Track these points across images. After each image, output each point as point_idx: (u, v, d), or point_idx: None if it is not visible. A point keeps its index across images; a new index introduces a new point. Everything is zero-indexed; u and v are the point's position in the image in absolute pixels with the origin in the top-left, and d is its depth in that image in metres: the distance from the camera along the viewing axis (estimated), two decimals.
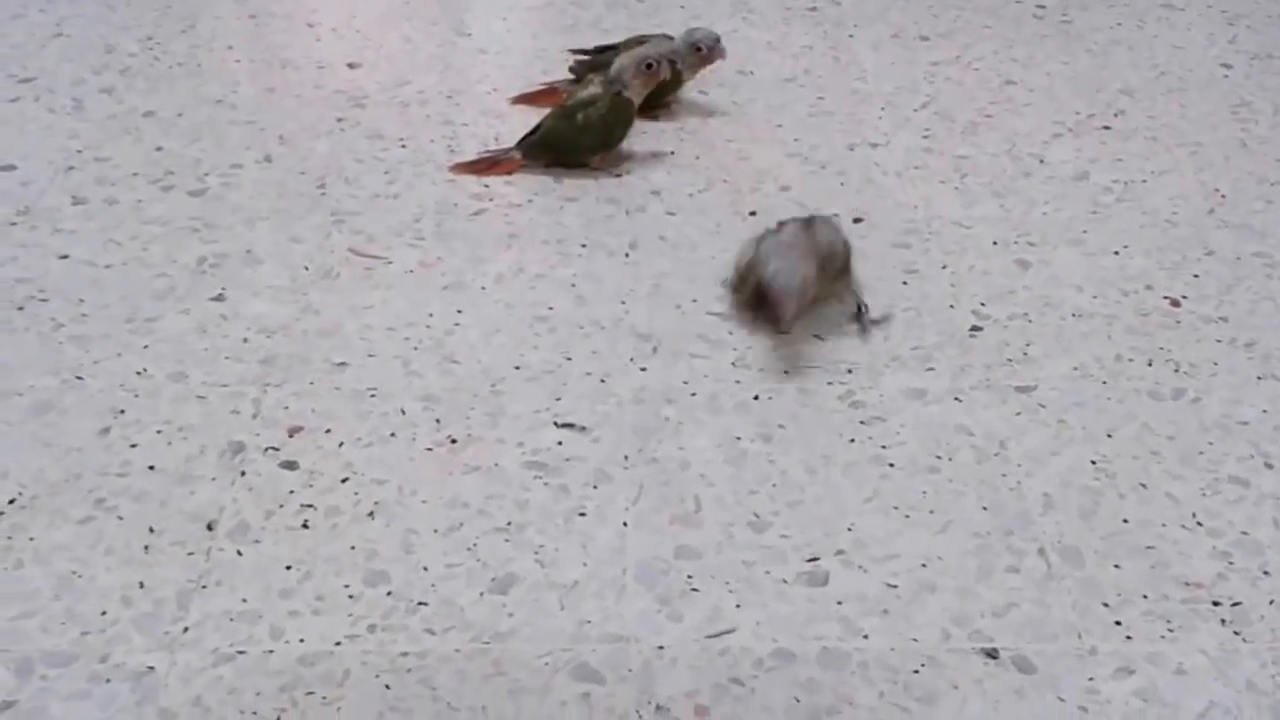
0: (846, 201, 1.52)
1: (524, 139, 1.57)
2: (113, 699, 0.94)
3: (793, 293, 1.25)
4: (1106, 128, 1.71)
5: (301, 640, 0.99)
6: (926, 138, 1.67)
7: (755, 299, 1.31)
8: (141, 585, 1.02)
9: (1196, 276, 1.42)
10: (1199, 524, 1.12)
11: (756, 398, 1.23)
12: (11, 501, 1.09)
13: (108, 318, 1.30)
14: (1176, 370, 1.29)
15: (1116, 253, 1.46)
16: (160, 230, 1.44)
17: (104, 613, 1.00)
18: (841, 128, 1.69)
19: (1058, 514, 1.12)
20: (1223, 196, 1.56)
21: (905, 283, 1.40)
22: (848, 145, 1.65)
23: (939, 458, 1.18)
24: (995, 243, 1.47)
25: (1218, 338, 1.33)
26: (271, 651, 0.98)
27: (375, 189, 1.52)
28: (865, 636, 1.02)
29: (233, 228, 1.45)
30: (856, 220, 1.49)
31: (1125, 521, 1.12)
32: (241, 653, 0.98)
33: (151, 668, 0.96)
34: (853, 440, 1.19)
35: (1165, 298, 1.39)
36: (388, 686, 0.96)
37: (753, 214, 1.50)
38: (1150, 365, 1.29)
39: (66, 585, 1.02)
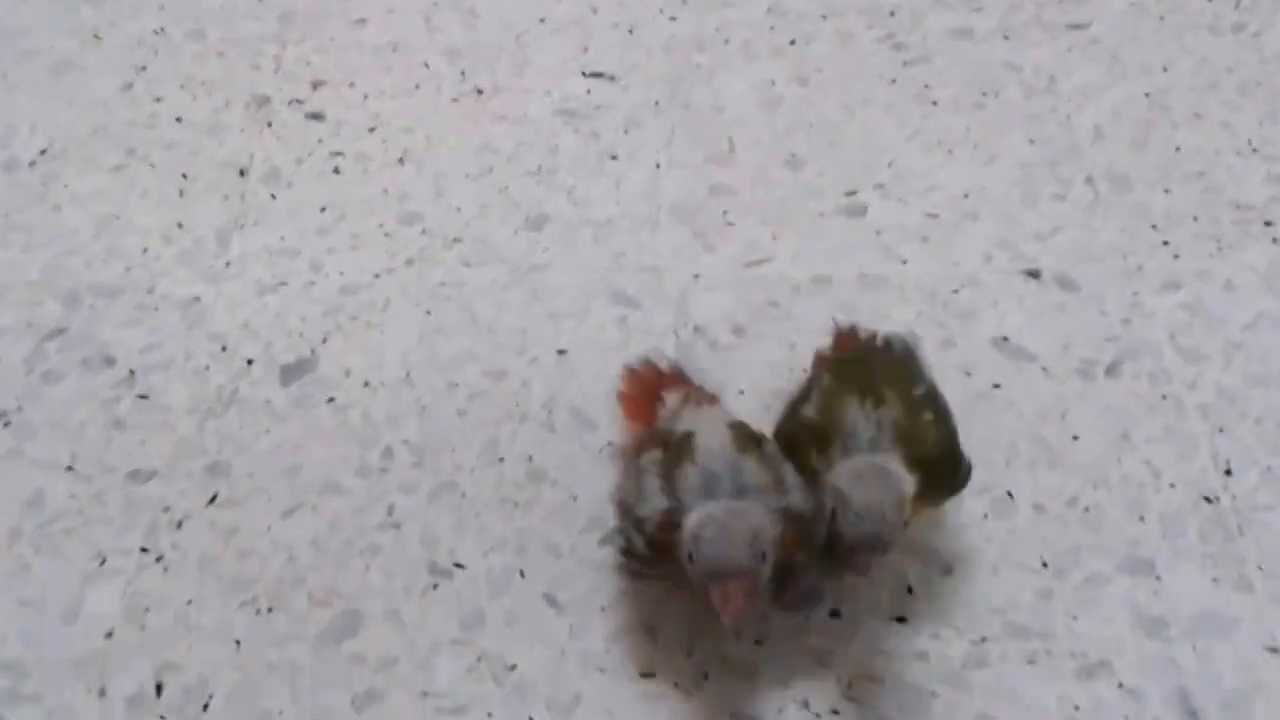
0: None
1: None
2: (162, 325, 1.08)
3: (744, 577, 0.80)
4: None
5: (341, 273, 1.12)
6: None
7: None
8: (180, 225, 1.15)
9: None
10: (1254, 150, 1.21)
11: (793, 42, 1.32)
12: (43, 152, 1.21)
13: None
14: (1237, 6, 1.36)
15: None
16: None
17: (146, 250, 1.13)
18: None
19: (1108, 144, 1.22)
20: None
21: None
22: None
23: (985, 94, 1.27)
24: None
25: None
26: (313, 283, 1.11)
27: None
28: (904, 262, 1.13)
29: None
30: None
31: (1177, 150, 1.21)
32: (284, 284, 1.11)
33: (197, 298, 1.10)
34: (894, 81, 1.28)
35: None
36: (428, 312, 1.09)
37: None
38: (1210, 1, 1.37)
39: (106, 226, 1.15)
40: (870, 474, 0.83)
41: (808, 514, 0.85)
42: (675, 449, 0.87)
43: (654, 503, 0.85)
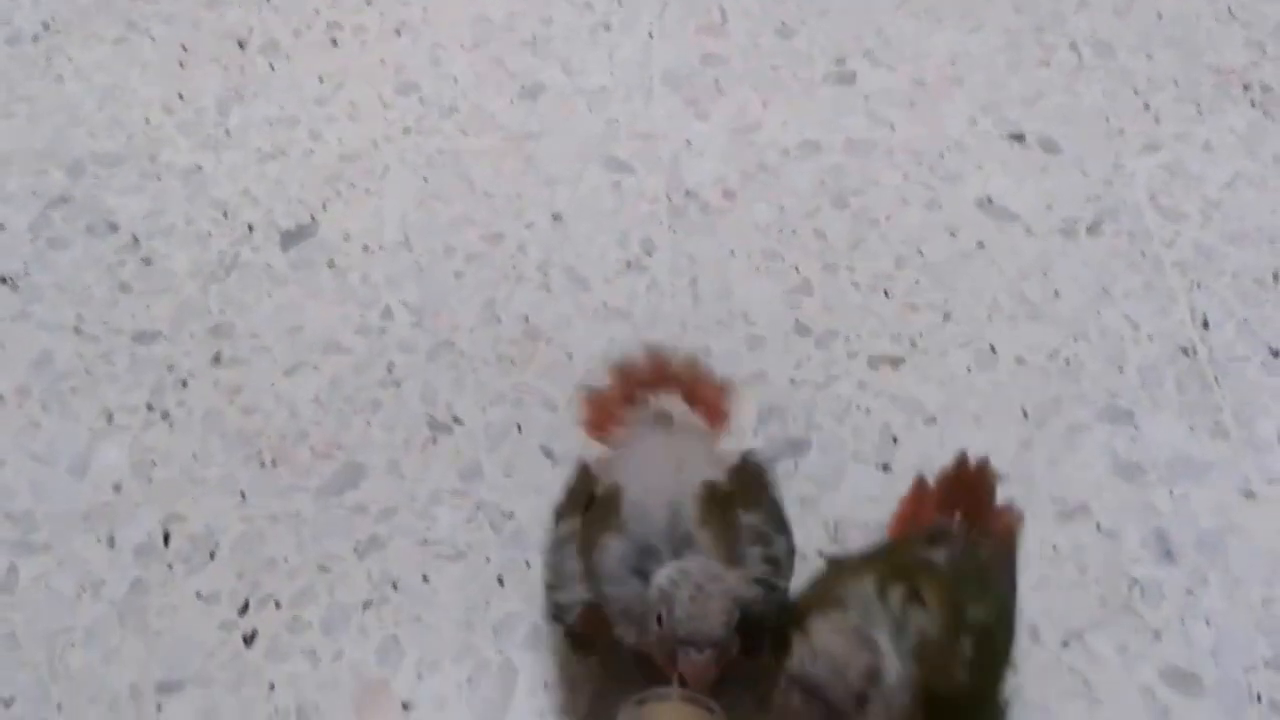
0: None
1: None
2: (165, 192, 1.05)
3: (716, 648, 0.68)
4: None
5: (340, 141, 1.09)
6: None
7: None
8: (181, 96, 1.12)
9: None
10: (1233, 16, 1.18)
11: None
12: (45, 26, 1.18)
13: None
14: None
15: None
16: None
17: (147, 120, 1.10)
18: None
19: (1091, 11, 1.19)
20: None
21: None
22: None
23: None
24: None
25: None
26: (312, 151, 1.08)
27: None
28: (891, 127, 1.10)
29: None
30: None
31: (1159, 16, 1.18)
32: (283, 153, 1.08)
33: (199, 166, 1.07)
34: None
35: None
36: (425, 179, 1.06)
37: None
38: None
39: (108, 97, 1.12)
40: (853, 635, 0.66)
41: (755, 610, 0.71)
42: (598, 510, 0.74)
43: (571, 592, 0.73)
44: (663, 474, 0.73)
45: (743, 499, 0.74)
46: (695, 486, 0.72)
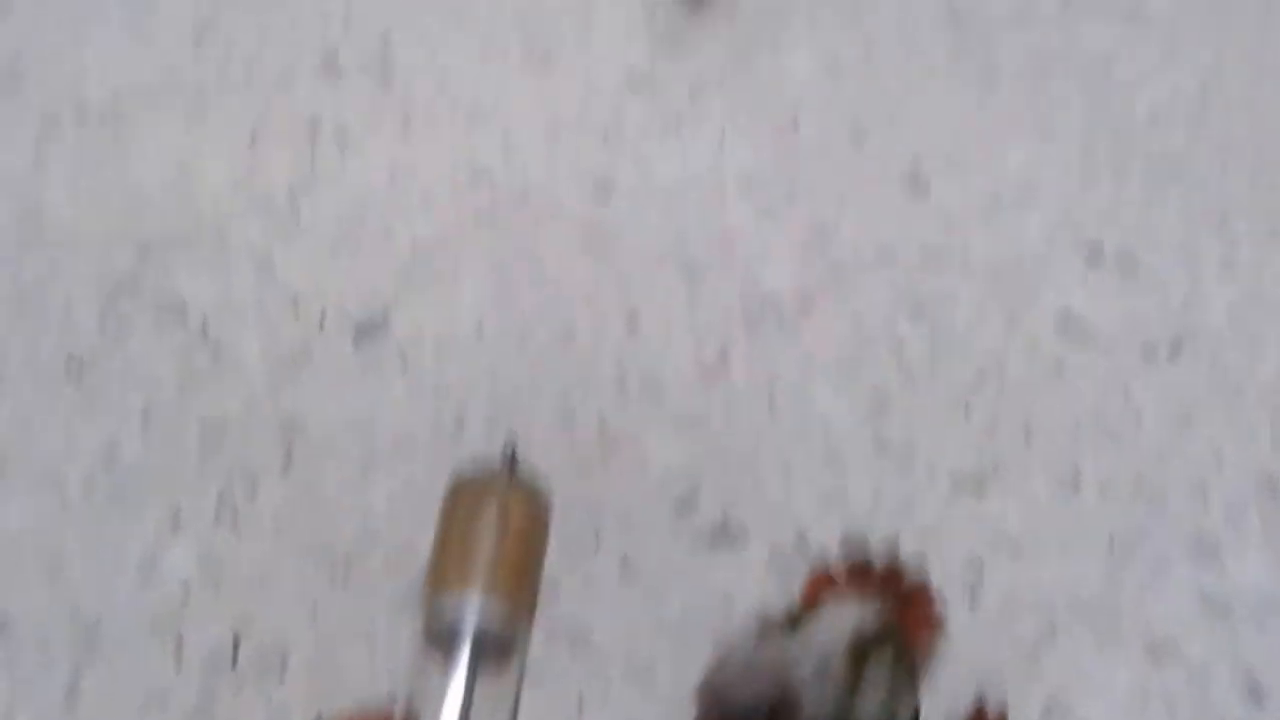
0: None
1: None
2: (235, 278, 1.00)
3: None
4: None
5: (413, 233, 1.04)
6: None
7: None
8: (250, 179, 1.07)
9: None
10: None
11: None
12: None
13: None
14: None
15: None
16: None
17: (216, 203, 1.05)
18: None
19: (1162, 127, 1.15)
20: None
21: None
22: None
23: (1045, 75, 1.19)
24: None
25: None
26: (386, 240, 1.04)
27: None
28: (966, 239, 1.06)
29: None
30: None
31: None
32: (356, 241, 1.03)
33: (270, 253, 1.02)
34: (956, 58, 1.21)
35: None
36: (499, 273, 1.02)
37: None
38: None
39: (177, 179, 1.07)
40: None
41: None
42: (793, 625, 0.75)
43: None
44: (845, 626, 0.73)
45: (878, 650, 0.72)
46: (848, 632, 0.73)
